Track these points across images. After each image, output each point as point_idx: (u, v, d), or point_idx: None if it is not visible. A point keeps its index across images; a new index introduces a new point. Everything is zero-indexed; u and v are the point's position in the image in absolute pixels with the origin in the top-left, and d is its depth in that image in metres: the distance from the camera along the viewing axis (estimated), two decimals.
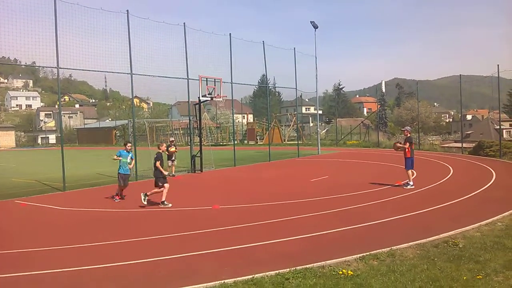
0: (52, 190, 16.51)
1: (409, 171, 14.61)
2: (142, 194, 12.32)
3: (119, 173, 13.59)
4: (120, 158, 13.62)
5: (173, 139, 21.35)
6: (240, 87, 26.12)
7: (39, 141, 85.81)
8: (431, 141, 41.67)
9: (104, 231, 9.69)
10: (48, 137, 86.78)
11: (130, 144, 14.17)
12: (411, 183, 14.46)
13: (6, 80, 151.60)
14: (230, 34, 23.81)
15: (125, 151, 13.80)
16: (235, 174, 20.76)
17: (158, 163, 12.51)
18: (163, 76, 20.42)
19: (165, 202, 12.46)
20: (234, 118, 31.96)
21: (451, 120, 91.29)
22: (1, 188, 17.60)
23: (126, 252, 8.00)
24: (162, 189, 12.34)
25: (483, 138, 30.35)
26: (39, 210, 12.76)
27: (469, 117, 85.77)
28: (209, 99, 21.37)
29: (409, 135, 15.00)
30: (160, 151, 13.01)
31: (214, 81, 21.19)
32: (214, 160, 23.99)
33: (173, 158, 20.14)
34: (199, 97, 20.73)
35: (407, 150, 14.60)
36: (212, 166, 23.27)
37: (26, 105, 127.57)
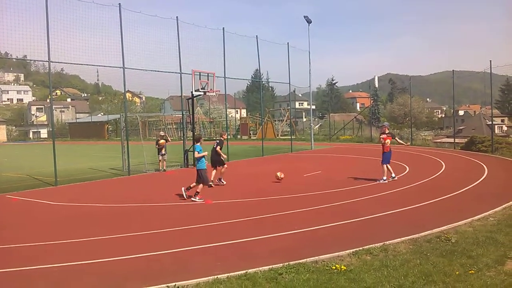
0: (44, 185, 16.39)
1: (385, 166, 14.79)
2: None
3: (204, 169, 12.65)
4: (206, 154, 13.00)
5: (163, 133, 21.22)
6: (233, 81, 26.15)
7: (31, 135, 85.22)
8: (424, 137, 41.87)
9: (95, 226, 9.63)
10: (39, 131, 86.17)
11: (202, 139, 13.96)
12: (385, 178, 14.65)
13: None
14: (223, 28, 23.73)
15: (200, 145, 13.13)
16: (228, 169, 20.70)
17: (218, 148, 15.03)
18: (155, 70, 20.31)
19: (222, 180, 15.27)
20: (227, 112, 31.87)
21: (443, 115, 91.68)
22: None
23: (117, 247, 7.95)
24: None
25: (475, 134, 30.45)
26: (30, 205, 12.66)
27: (461, 112, 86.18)
28: (202, 93, 21.28)
29: (387, 131, 15.23)
30: (222, 138, 16.07)
31: (207, 76, 21.08)
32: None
33: (163, 152, 20.02)
34: (192, 92, 20.63)
35: (386, 145, 14.80)
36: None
37: (17, 99, 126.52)
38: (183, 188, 12.62)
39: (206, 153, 12.93)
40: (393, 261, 6.58)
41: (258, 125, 54.68)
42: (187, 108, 22.12)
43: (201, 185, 12.32)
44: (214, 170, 15.42)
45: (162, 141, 20.02)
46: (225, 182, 15.42)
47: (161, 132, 21.61)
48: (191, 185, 12.52)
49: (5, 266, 6.97)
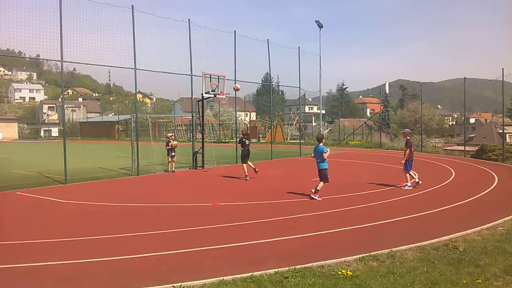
0: (54, 183, 16.54)
1: (408, 173, 14.72)
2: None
3: (326, 168, 13.22)
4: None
5: (172, 134, 21.28)
6: (244, 84, 26.10)
7: (42, 133, 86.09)
8: (434, 144, 41.59)
9: (103, 225, 9.69)
10: (50, 129, 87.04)
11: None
12: (409, 184, 14.61)
13: (10, 72, 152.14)
14: (235, 31, 23.78)
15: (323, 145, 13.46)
16: (236, 172, 20.74)
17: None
18: (166, 72, 20.39)
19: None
20: (237, 115, 31.93)
21: (454, 123, 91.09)
22: (3, 179, 17.64)
23: (126, 246, 8.00)
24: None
25: (486, 142, 30.25)
26: (40, 202, 12.77)
27: (472, 120, 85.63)
28: (213, 96, 21.36)
29: (408, 137, 15.11)
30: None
31: (218, 78, 21.16)
32: (216, 157, 24.00)
33: (173, 154, 20.11)
34: (202, 94, 20.72)
35: (406, 152, 14.70)
36: (214, 163, 23.27)
37: (29, 97, 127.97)
38: (312, 190, 12.94)
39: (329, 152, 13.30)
40: (399, 268, 6.55)
41: (267, 128, 54.69)
42: (197, 110, 22.19)
43: (321, 183, 12.83)
44: (245, 165, 17.68)
45: (175, 142, 20.11)
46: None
47: (169, 133, 21.68)
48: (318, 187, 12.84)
49: (15, 262, 7.05)
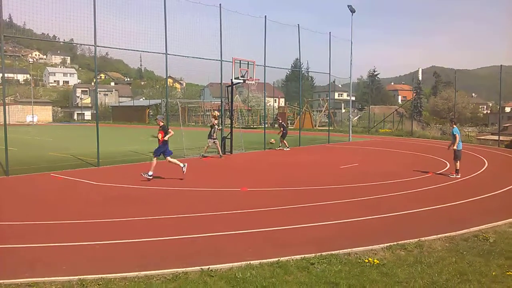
0: (87, 165, 16.98)
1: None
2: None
3: (460, 149, 14.80)
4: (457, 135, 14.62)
5: (217, 113, 20.97)
6: (273, 70, 26.04)
7: (75, 117, 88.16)
8: (467, 133, 40.54)
9: (133, 207, 9.92)
10: (84, 113, 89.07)
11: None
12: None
13: (45, 56, 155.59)
14: (265, 16, 23.63)
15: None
16: (264, 158, 20.81)
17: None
18: (197, 57, 20.52)
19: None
20: (266, 101, 31.87)
21: (489, 111, 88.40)
22: (38, 161, 18.22)
23: (154, 228, 8.20)
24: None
25: None
26: (73, 184, 13.16)
27: (508, 109, 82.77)
28: (242, 81, 21.38)
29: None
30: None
31: (248, 64, 21.16)
32: (244, 142, 24.12)
33: (215, 137, 19.77)
34: (231, 79, 20.77)
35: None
36: (242, 148, 23.39)
37: (63, 81, 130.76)
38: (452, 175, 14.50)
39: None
40: (427, 258, 6.51)
41: (296, 114, 54.44)
42: (226, 95, 22.30)
43: (458, 163, 14.45)
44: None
45: (215, 120, 19.80)
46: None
47: (215, 112, 21.33)
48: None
49: (47, 241, 7.33)
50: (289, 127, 51.90)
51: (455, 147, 14.63)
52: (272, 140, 23.89)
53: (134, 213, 9.29)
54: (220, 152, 20.27)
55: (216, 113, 20.70)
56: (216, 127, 19.81)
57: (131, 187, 12.62)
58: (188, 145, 21.79)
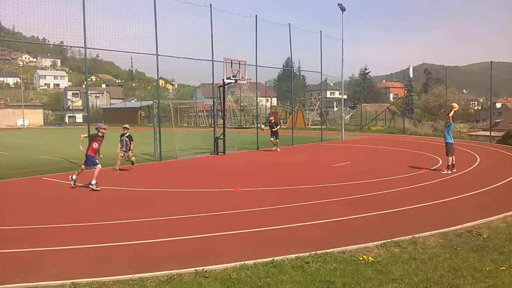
0: (78, 168, 16.80)
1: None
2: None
3: (452, 143, 14.83)
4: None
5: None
6: (265, 70, 26.05)
7: (66, 119, 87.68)
8: (459, 129, 40.78)
9: (126, 210, 9.85)
10: (75, 116, 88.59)
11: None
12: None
13: (35, 59, 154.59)
14: (256, 16, 23.63)
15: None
16: (257, 157, 20.80)
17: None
18: (188, 58, 20.45)
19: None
20: (258, 101, 31.88)
21: (479, 107, 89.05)
22: (29, 165, 18.08)
23: (148, 230, 8.14)
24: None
25: None
26: (64, 187, 13.05)
27: (498, 105, 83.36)
28: (234, 81, 21.35)
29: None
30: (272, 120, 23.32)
31: (239, 64, 21.13)
32: (237, 142, 24.09)
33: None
34: (223, 80, 20.73)
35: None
36: (235, 148, 23.36)
37: (54, 84, 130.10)
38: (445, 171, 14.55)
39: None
40: (422, 254, 6.52)
41: (288, 114, 54.49)
42: (218, 95, 22.25)
43: (452, 158, 14.56)
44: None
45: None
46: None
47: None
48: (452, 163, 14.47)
49: (39, 245, 7.25)
50: (281, 127, 52.05)
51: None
52: (272, 139, 23.77)
53: (126, 215, 9.23)
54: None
55: None
56: None
57: (123, 189, 12.55)
58: (180, 147, 21.72)
